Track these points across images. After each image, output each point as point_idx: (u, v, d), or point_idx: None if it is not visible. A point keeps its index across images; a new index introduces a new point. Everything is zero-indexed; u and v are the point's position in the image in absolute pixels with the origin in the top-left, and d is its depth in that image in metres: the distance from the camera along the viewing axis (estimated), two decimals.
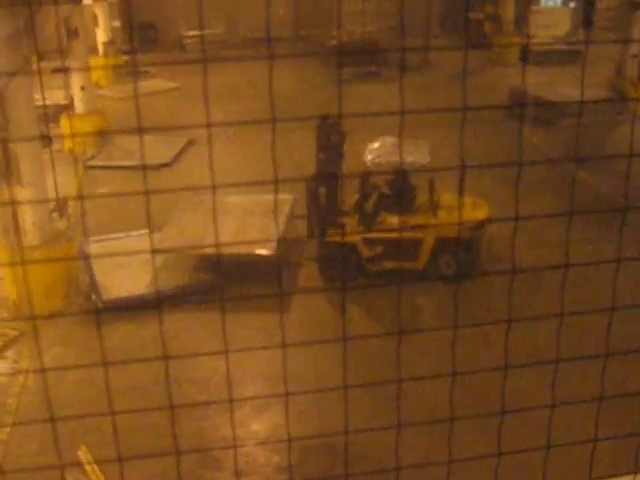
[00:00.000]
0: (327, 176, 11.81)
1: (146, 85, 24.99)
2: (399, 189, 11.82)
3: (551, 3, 31.63)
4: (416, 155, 11.97)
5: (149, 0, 29.79)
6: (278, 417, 8.83)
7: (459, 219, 11.54)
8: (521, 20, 29.63)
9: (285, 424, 8.70)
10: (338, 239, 11.94)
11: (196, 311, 10.94)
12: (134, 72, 25.94)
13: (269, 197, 13.00)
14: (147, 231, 12.86)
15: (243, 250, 11.31)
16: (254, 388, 9.33)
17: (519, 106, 20.12)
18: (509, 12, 28.30)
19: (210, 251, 11.44)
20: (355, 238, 11.78)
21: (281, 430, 8.52)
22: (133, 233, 12.88)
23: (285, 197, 12.82)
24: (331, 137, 11.66)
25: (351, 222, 11.86)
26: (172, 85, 24.16)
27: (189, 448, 8.18)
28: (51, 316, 10.80)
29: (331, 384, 8.36)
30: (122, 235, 12.88)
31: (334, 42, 26.78)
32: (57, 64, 23.37)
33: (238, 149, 17.47)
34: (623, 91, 20.69)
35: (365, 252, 11.81)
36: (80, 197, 14.48)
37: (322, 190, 11.89)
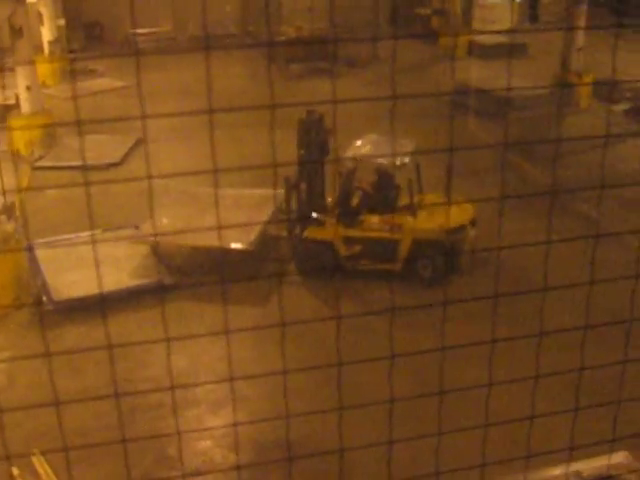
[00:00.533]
0: (308, 172, 11.84)
1: (93, 84, 24.70)
2: (382, 188, 11.76)
3: None
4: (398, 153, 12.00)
5: None
6: (232, 415, 8.82)
7: (435, 222, 11.35)
8: (468, 15, 29.87)
9: (240, 421, 8.70)
10: (316, 236, 11.87)
11: (147, 311, 10.87)
12: (82, 71, 25.65)
13: (258, 191, 12.94)
14: (98, 231, 12.75)
15: (218, 243, 11.13)
16: (209, 386, 9.31)
17: (463, 99, 20.38)
18: (456, 7, 28.53)
19: (186, 243, 11.65)
20: (333, 236, 11.68)
21: (237, 428, 8.52)
22: (83, 234, 12.74)
23: (272, 192, 12.44)
24: (312, 133, 11.68)
25: (330, 219, 11.76)
26: (120, 84, 23.91)
27: (145, 448, 8.12)
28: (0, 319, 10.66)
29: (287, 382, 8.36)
30: (72, 236, 12.72)
31: (283, 38, 26.73)
32: (1, 64, 23.04)
33: (189, 147, 17.37)
34: (568, 84, 21.01)
35: (343, 250, 11.71)
36: (20, 199, 14.28)
37: (303, 186, 11.90)
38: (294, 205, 12.09)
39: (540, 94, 19.81)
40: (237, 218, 12.05)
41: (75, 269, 11.64)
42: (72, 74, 25.71)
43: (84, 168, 16.22)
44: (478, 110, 19.67)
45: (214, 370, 9.53)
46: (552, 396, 6.39)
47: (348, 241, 11.70)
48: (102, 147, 17.64)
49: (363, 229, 11.71)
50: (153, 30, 31.08)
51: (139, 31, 31.14)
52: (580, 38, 20.85)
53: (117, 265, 11.75)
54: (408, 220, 11.54)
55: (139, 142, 18.30)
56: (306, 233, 12.04)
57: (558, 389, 6.29)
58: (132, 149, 17.96)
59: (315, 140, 11.76)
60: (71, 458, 7.87)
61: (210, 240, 11.33)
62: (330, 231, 11.62)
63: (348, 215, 11.70)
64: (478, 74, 21.39)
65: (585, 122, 18.49)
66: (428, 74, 24.13)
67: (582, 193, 14.29)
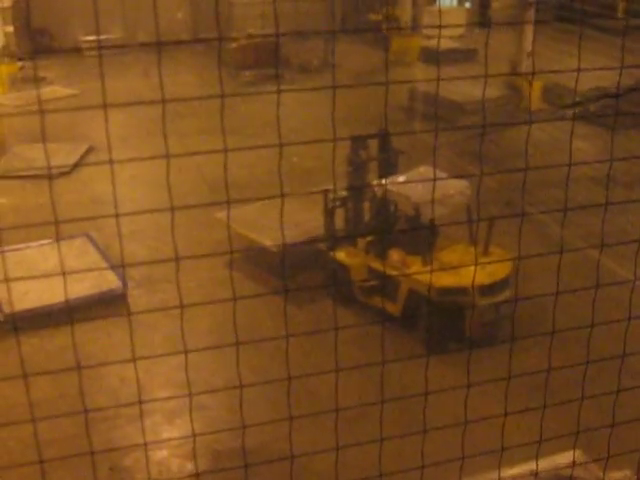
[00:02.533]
0: (348, 190, 11.42)
1: (43, 92, 24.42)
2: (413, 224, 10.66)
3: (447, 3, 32.28)
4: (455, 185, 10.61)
5: (43, 5, 29.08)
6: (190, 424, 8.77)
7: (445, 277, 9.91)
8: (418, 21, 30.13)
9: (197, 429, 8.64)
10: (339, 257, 11.32)
11: (101, 321, 10.76)
12: (31, 79, 25.33)
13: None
14: (49, 241, 12.60)
15: (254, 237, 11.91)
16: (164, 395, 9.24)
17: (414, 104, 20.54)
18: (406, 13, 28.74)
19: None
20: (351, 261, 11.17)
21: (193, 437, 8.46)
22: (33, 243, 12.59)
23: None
24: (360, 152, 11.23)
25: (360, 245, 11.17)
26: (70, 92, 23.67)
27: (100, 459, 8.03)
28: None
29: (244, 391, 8.33)
30: (22, 246, 12.55)
31: (234, 45, 26.67)
32: None
33: (141, 156, 17.23)
34: (518, 88, 21.31)
35: (357, 279, 11.02)
36: None
37: (350, 204, 11.56)
38: (339, 223, 11.60)
39: (490, 99, 20.02)
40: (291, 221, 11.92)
41: (26, 280, 11.48)
42: (21, 82, 25.37)
43: (33, 177, 16.05)
44: (427, 115, 19.89)
45: (171, 379, 9.46)
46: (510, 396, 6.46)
47: (370, 272, 10.96)
48: (52, 156, 17.44)
49: (382, 263, 10.55)
50: (103, 37, 30.83)
51: (88, 38, 30.87)
52: (529, 43, 21.15)
53: (69, 275, 11.60)
54: (414, 266, 10.40)
55: (90, 150, 18.14)
56: (336, 253, 11.41)
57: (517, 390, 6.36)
58: (83, 157, 17.78)
59: (361, 160, 11.30)
60: (24, 472, 7.77)
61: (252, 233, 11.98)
62: (352, 256, 11.20)
63: (376, 245, 10.91)
64: (429, 81, 21.59)
65: (534, 126, 18.75)
66: (380, 80, 24.26)
67: (531, 197, 14.51)
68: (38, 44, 30.21)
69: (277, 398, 8.68)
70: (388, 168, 11.40)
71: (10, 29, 27.29)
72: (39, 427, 8.27)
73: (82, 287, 11.29)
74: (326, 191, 11.27)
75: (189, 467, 8.12)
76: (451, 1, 32.85)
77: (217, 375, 9.33)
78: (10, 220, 13.94)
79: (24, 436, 7.94)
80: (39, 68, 26.51)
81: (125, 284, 11.40)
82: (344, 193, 11.53)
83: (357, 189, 11.34)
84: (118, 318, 10.91)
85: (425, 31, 30.37)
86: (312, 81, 24.96)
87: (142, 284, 11.71)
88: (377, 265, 10.68)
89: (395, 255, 10.67)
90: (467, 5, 32.66)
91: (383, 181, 11.02)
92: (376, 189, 11.00)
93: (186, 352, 3.53)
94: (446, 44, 27.45)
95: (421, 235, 10.69)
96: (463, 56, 26.79)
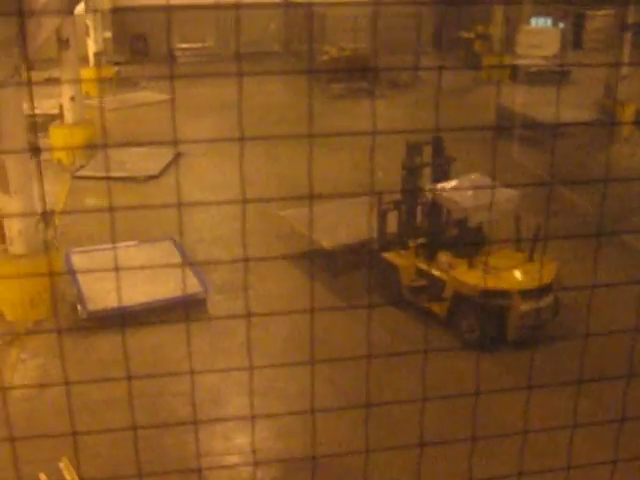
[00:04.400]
0: (402, 195, 11.75)
1: (136, 96, 24.99)
2: (461, 229, 10.92)
3: (541, 23, 31.80)
4: (503, 193, 10.84)
5: (141, 12, 29.81)
6: (261, 431, 8.81)
7: (473, 280, 10.29)
8: (511, 40, 29.83)
9: (268, 438, 8.68)
10: (389, 258, 11.53)
11: (181, 324, 10.89)
12: (126, 83, 25.95)
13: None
14: (135, 243, 12.84)
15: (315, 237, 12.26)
16: (238, 402, 9.30)
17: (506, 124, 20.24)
18: (499, 31, 28.46)
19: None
20: (401, 262, 11.33)
21: (264, 444, 8.49)
22: (120, 244, 12.85)
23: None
24: (414, 158, 11.51)
25: (411, 246, 11.31)
26: (162, 97, 24.16)
27: (171, 461, 8.12)
28: (36, 327, 10.75)
29: (315, 401, 8.33)
30: (109, 246, 12.83)
31: (325, 57, 26.83)
32: (47, 74, 23.42)
33: (228, 163, 17.46)
34: (612, 113, 20.80)
35: (405, 279, 11.26)
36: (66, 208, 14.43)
37: (403, 208, 11.79)
38: (391, 226, 11.83)
39: (583, 122, 19.63)
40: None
41: (111, 279, 11.72)
42: (116, 86, 26.02)
43: (123, 179, 16.42)
44: (520, 136, 19.56)
45: (244, 386, 9.51)
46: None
47: (418, 273, 11.21)
48: (142, 159, 17.81)
49: (430, 265, 10.97)
50: (196, 45, 31.42)
51: (182, 46, 31.52)
52: (624, 66, 20.69)
53: (153, 277, 11.82)
54: (460, 268, 10.62)
55: (178, 155, 18.46)
56: (386, 253, 11.66)
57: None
58: (171, 162, 18.10)
59: (416, 166, 11.57)
60: (99, 465, 7.92)
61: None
62: (402, 257, 11.35)
63: (426, 248, 11.13)
64: (521, 99, 21.28)
65: (626, 152, 18.35)
66: (470, 98, 24.11)
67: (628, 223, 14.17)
68: (134, 50, 30.98)
69: (352, 413, 8.69)
70: (440, 174, 11.67)
71: (108, 35, 28.05)
72: (115, 425, 8.43)
73: (165, 290, 11.46)
74: (380, 194, 11.75)
75: (259, 474, 8.14)
76: (545, 21, 32.37)
77: (291, 384, 9.34)
78: (99, 220, 14.26)
79: (102, 432, 8.07)
80: (133, 73, 27.13)
81: (207, 289, 11.51)
82: (397, 197, 11.81)
83: (409, 192, 11.60)
84: (197, 322, 11.04)
85: (517, 50, 30.06)
86: (401, 96, 24.93)
87: (223, 290, 11.81)
88: (425, 267, 11.01)
89: (443, 257, 10.93)
90: (561, 26, 32.13)
91: (436, 186, 11.20)
92: (428, 194, 11.25)
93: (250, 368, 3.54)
94: (538, 64, 27.08)
95: (469, 239, 10.94)
96: (556, 77, 26.41)
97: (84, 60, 24.69)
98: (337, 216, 12.97)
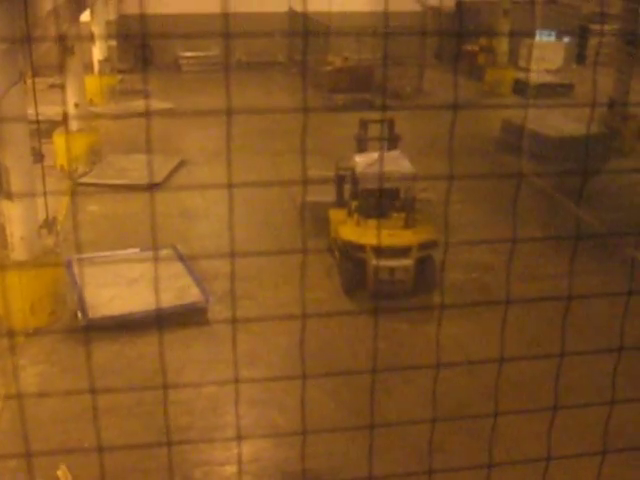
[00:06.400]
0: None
1: (140, 105, 25.01)
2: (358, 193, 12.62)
3: (545, 37, 31.85)
4: (401, 166, 12.58)
5: (145, 20, 29.84)
6: (261, 441, 8.78)
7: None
8: (514, 53, 29.87)
9: (268, 448, 8.65)
10: (331, 213, 13.35)
11: (181, 332, 10.89)
12: (130, 91, 25.97)
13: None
14: (136, 250, 12.83)
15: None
16: (237, 411, 9.27)
17: (508, 137, 20.25)
18: (503, 45, 28.47)
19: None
20: (333, 218, 13.02)
21: (263, 454, 8.47)
22: (121, 252, 12.85)
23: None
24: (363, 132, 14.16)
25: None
26: (166, 105, 24.17)
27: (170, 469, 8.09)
28: (35, 333, 10.73)
29: (315, 412, 8.31)
30: (110, 253, 12.83)
31: (329, 68, 26.81)
32: (52, 80, 23.44)
33: (233, 172, 17.47)
34: (616, 127, 20.75)
35: (332, 232, 12.91)
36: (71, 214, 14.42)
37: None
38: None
39: (583, 135, 19.60)
40: None
41: (112, 286, 11.72)
42: (120, 93, 26.05)
43: (126, 187, 16.42)
44: (524, 150, 19.52)
45: (245, 396, 9.49)
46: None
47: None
48: (144, 167, 17.80)
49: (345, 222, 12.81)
50: (201, 54, 31.48)
51: (187, 54, 31.58)
52: (628, 80, 20.69)
53: (154, 285, 11.80)
54: (347, 224, 12.48)
55: (182, 163, 18.46)
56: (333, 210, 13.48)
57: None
58: (175, 170, 18.09)
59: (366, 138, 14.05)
60: (96, 475, 7.88)
61: None
62: (337, 214, 13.04)
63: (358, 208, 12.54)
64: (523, 113, 21.28)
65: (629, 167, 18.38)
66: (473, 110, 24.08)
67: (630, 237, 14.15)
68: (138, 58, 31.00)
69: (350, 423, 8.67)
70: (391, 148, 13.70)
71: (113, 42, 28.09)
72: (113, 433, 8.42)
73: (165, 298, 11.44)
74: (338, 162, 13.53)
75: None
76: (549, 35, 32.40)
77: (290, 395, 9.31)
78: (100, 227, 14.28)
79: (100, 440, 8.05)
80: (137, 81, 27.16)
81: (208, 298, 11.49)
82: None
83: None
84: (197, 331, 11.03)
85: (520, 63, 30.10)
86: (404, 107, 24.91)
87: (224, 300, 11.79)
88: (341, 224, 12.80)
89: (339, 215, 12.96)
90: (565, 40, 32.14)
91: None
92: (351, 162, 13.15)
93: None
94: (542, 78, 27.11)
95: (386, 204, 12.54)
96: (559, 90, 26.46)
97: (89, 67, 24.75)
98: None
